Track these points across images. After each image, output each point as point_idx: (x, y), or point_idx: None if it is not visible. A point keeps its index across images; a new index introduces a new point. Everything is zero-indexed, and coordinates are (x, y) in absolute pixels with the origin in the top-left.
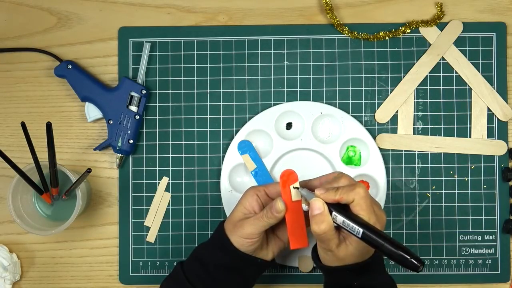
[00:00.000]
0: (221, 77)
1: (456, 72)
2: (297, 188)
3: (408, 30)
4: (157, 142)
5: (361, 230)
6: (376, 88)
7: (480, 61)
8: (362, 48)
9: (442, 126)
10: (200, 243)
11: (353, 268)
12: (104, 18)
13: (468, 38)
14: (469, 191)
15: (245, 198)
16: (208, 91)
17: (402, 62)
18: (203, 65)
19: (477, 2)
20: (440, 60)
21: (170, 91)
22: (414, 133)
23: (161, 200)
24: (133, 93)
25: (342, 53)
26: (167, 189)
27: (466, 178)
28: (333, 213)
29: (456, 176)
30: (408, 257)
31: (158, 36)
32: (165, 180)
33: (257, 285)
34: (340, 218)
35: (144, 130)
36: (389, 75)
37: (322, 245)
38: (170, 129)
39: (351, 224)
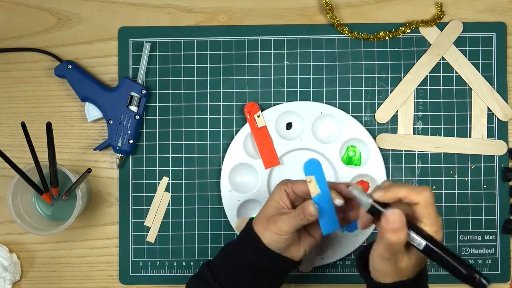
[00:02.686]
0: (221, 77)
1: (456, 72)
2: (368, 196)
3: (408, 30)
4: (157, 142)
5: (423, 242)
6: (376, 88)
7: (480, 61)
8: (362, 48)
9: (442, 126)
10: (227, 242)
11: (408, 282)
12: (104, 18)
13: (468, 38)
14: (469, 191)
15: (276, 193)
16: (208, 91)
17: (402, 62)
18: (203, 65)
19: (477, 2)
20: (440, 60)
21: (170, 91)
22: (414, 133)
23: (161, 200)
24: (133, 93)
25: (342, 53)
26: (167, 189)
27: (466, 178)
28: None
29: (456, 176)
30: (477, 276)
31: (158, 36)
32: (165, 180)
33: None
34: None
35: (144, 130)
36: (389, 75)
37: (387, 256)
38: (170, 129)
39: (413, 235)
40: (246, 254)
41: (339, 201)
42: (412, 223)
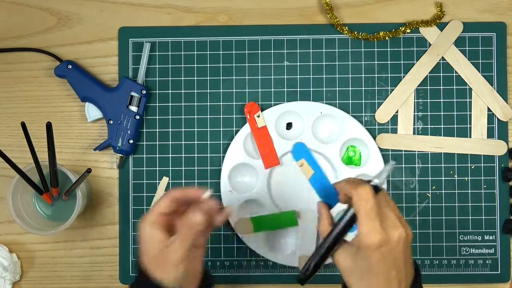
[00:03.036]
0: (221, 77)
1: (456, 72)
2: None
3: (408, 30)
4: (157, 142)
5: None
6: (376, 88)
7: (480, 61)
8: (362, 48)
9: (442, 126)
10: None
11: None
12: (104, 18)
13: (468, 38)
14: (469, 191)
15: (146, 234)
16: (208, 91)
17: (402, 62)
18: (203, 65)
19: (477, 2)
20: (440, 60)
21: (170, 91)
22: (414, 133)
23: None
24: (133, 93)
25: (342, 53)
26: (167, 189)
27: (466, 178)
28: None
29: (456, 176)
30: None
31: (158, 36)
32: (165, 180)
33: (257, 285)
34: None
35: (144, 130)
36: (389, 75)
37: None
38: (170, 129)
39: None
40: None
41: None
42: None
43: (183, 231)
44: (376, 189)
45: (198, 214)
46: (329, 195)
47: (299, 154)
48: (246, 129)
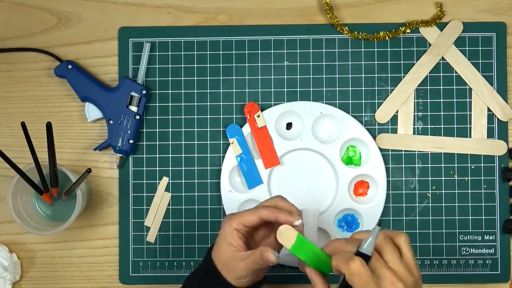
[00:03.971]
0: (221, 77)
1: (456, 72)
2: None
3: (408, 30)
4: (157, 142)
5: None
6: (376, 88)
7: (480, 61)
8: (362, 48)
9: (442, 126)
10: (190, 276)
11: None
12: (104, 18)
13: (468, 38)
14: (469, 191)
15: (227, 235)
16: (208, 91)
17: (402, 62)
18: (203, 65)
19: (477, 2)
20: (440, 60)
21: (170, 91)
22: (414, 133)
23: (161, 200)
24: (133, 93)
25: (342, 53)
26: (167, 189)
27: (466, 178)
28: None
29: (456, 176)
30: None
31: (158, 36)
32: (165, 180)
33: None
34: None
35: (144, 130)
36: (389, 75)
37: None
38: (170, 129)
39: None
40: None
41: (297, 222)
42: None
43: (255, 258)
44: (367, 257)
45: (274, 256)
46: (251, 176)
47: (233, 133)
48: (246, 129)
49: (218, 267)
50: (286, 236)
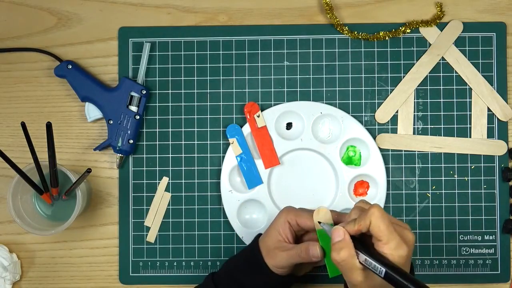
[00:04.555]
0: (221, 77)
1: (456, 72)
2: (330, 224)
3: (408, 30)
4: (157, 142)
5: (383, 269)
6: (376, 88)
7: (480, 61)
8: (362, 48)
9: (442, 126)
10: (232, 257)
11: None
12: (104, 18)
13: (468, 38)
14: (469, 191)
15: (279, 224)
16: (208, 91)
17: (402, 62)
18: (203, 65)
19: (477, 2)
20: (440, 60)
21: (170, 91)
22: (414, 133)
23: (161, 200)
24: (133, 93)
25: (342, 53)
26: (167, 189)
27: (466, 178)
28: (357, 252)
29: (456, 176)
30: None
31: (158, 36)
32: (165, 180)
33: None
34: (362, 257)
35: (144, 130)
36: (389, 75)
37: (347, 279)
38: (170, 129)
39: (373, 262)
40: (254, 278)
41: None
42: (375, 251)
43: (299, 251)
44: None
45: (320, 252)
46: (251, 176)
47: (233, 133)
48: (246, 129)
49: (262, 252)
50: (322, 216)
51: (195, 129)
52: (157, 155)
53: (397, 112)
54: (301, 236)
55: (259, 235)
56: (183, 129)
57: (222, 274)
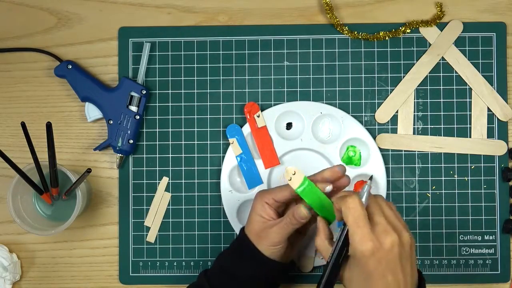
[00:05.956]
0: (221, 77)
1: (456, 72)
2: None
3: (408, 30)
4: (157, 142)
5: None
6: (376, 88)
7: (480, 61)
8: (362, 48)
9: (442, 126)
10: (222, 252)
11: None
12: (104, 18)
13: (468, 38)
14: (469, 191)
15: (259, 208)
16: (208, 91)
17: (402, 62)
18: (203, 65)
19: (477, 2)
20: (440, 60)
21: (170, 91)
22: (414, 133)
23: (161, 200)
24: (133, 93)
25: (342, 53)
26: (167, 189)
27: (466, 178)
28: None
29: (456, 176)
30: None
31: (158, 36)
32: (165, 180)
33: None
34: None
35: (144, 130)
36: (389, 75)
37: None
38: (170, 129)
39: (332, 247)
40: (246, 267)
41: (328, 188)
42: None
43: (288, 219)
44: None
45: (305, 209)
46: (251, 176)
47: (233, 134)
48: (246, 129)
49: (251, 239)
50: (295, 178)
51: (195, 129)
52: (157, 155)
53: (397, 112)
54: (282, 212)
55: (243, 228)
56: (183, 129)
57: (214, 269)
